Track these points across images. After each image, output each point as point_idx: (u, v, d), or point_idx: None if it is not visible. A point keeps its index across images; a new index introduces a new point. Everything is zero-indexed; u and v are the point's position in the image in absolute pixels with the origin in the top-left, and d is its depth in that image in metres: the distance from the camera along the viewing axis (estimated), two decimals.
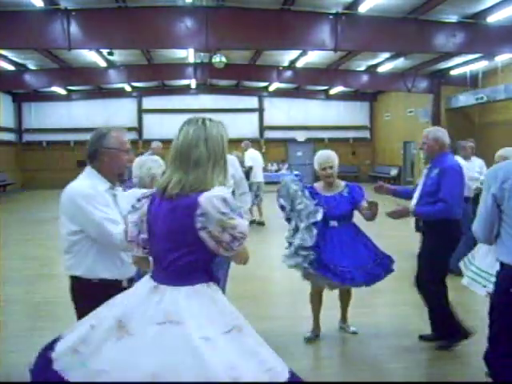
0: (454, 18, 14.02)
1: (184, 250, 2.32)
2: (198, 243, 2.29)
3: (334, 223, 4.83)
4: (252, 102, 28.47)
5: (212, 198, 2.25)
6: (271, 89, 26.77)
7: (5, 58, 18.45)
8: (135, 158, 4.24)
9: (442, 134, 4.83)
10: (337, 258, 4.70)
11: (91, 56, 18.01)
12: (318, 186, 5.06)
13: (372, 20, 13.99)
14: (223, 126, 2.52)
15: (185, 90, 27.19)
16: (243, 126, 27.53)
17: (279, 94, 27.66)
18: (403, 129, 25.24)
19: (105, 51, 17.02)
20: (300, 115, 28.39)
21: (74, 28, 13.21)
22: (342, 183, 5.05)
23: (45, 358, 2.63)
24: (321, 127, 28.42)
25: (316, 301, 5.14)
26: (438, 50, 15.22)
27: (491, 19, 13.52)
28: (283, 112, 28.39)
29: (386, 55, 18.88)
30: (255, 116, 28.43)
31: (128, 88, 26.16)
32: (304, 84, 25.49)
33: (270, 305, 6.61)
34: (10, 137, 26.28)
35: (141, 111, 28.21)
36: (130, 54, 19.18)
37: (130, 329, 2.29)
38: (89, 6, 13.27)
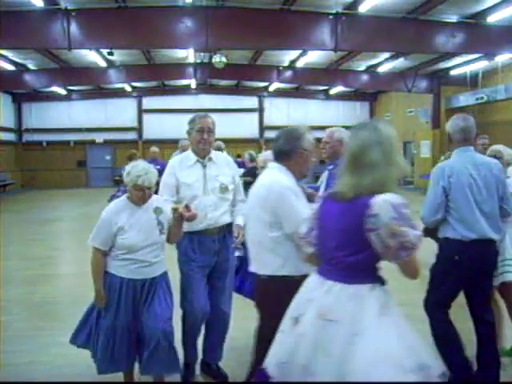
0: (453, 18, 14.02)
1: (351, 249, 2.38)
2: (365, 244, 2.34)
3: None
4: (252, 101, 28.47)
5: (385, 202, 2.29)
6: (271, 89, 26.77)
7: (5, 58, 18.46)
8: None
9: (346, 135, 4.48)
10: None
11: (91, 56, 18.01)
12: None
13: (372, 20, 13.99)
14: (393, 129, 2.56)
15: (185, 90, 27.18)
16: (243, 126, 27.55)
17: (279, 93, 27.66)
18: (403, 129, 25.19)
19: (105, 51, 17.02)
20: (300, 115, 28.37)
21: (73, 28, 13.22)
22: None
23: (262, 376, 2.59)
24: (321, 127, 28.24)
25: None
26: (437, 50, 15.23)
27: (491, 19, 13.53)
28: (283, 112, 28.38)
29: (386, 55, 18.89)
30: (255, 116, 28.43)
31: (128, 88, 26.16)
32: (304, 84, 25.50)
33: None
34: (10, 137, 26.29)
35: (141, 111, 28.19)
36: (130, 54, 19.18)
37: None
38: (89, 6, 13.27)
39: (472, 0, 12.79)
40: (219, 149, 10.92)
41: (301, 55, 18.82)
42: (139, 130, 28.20)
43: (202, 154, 4.16)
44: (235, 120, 27.29)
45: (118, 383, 4.01)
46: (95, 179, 28.02)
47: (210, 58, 17.80)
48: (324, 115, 28.49)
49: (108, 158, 28.39)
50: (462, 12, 13.64)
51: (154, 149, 12.57)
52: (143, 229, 3.66)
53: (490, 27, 14.08)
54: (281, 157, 3.19)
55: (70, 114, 27.32)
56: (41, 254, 9.66)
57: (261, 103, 28.63)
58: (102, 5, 13.26)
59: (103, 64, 19.93)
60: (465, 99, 20.66)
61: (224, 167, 4.20)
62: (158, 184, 3.98)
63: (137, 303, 3.70)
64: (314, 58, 18.80)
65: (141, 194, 3.63)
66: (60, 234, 12.76)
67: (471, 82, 20.60)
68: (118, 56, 18.86)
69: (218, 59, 16.86)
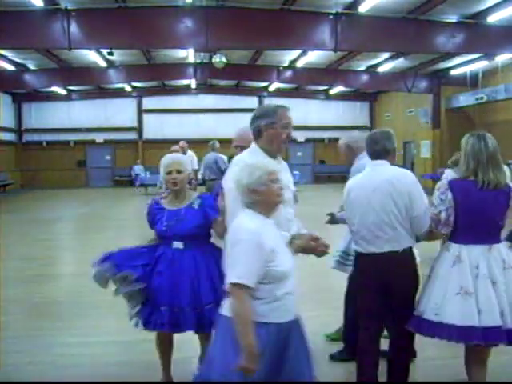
0: (454, 18, 14.02)
1: (502, 218, 3.41)
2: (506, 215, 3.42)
3: (177, 244, 3.76)
4: (252, 101, 28.43)
5: None
6: (271, 89, 26.77)
7: (5, 58, 18.46)
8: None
9: (350, 138, 4.91)
10: (173, 293, 3.65)
11: (91, 56, 18.01)
12: (167, 198, 3.96)
13: (372, 20, 13.99)
14: None
15: (185, 90, 27.19)
16: (243, 126, 27.50)
17: (279, 93, 27.64)
18: (403, 129, 25.21)
19: (105, 51, 17.02)
20: (300, 115, 28.29)
21: (74, 28, 13.21)
22: (194, 194, 3.97)
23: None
24: (321, 127, 28.44)
25: (164, 346, 4.01)
26: (438, 50, 15.23)
27: (491, 19, 13.53)
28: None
29: (386, 55, 18.88)
30: None
31: (128, 88, 26.17)
32: (304, 84, 25.51)
33: None
34: (10, 137, 26.30)
35: (141, 111, 28.20)
36: (130, 54, 19.18)
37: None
38: (89, 6, 13.27)
39: (472, 0, 12.80)
40: (213, 149, 10.92)
41: (301, 55, 18.82)
42: (139, 129, 28.21)
43: (276, 155, 3.42)
44: (235, 120, 27.17)
45: (118, 383, 4.02)
46: (95, 179, 28.04)
47: (210, 57, 17.80)
48: (324, 115, 28.51)
49: (108, 158, 28.41)
50: (462, 12, 13.64)
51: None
52: (284, 246, 2.88)
53: (490, 27, 14.08)
54: (384, 155, 3.68)
55: (69, 114, 27.33)
56: (41, 253, 9.66)
57: (261, 103, 28.57)
58: (102, 5, 13.26)
59: (103, 64, 19.93)
60: (465, 99, 20.66)
61: (288, 172, 3.55)
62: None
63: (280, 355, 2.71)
64: (313, 58, 18.80)
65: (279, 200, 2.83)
66: (60, 234, 12.75)
67: (471, 82, 20.60)
68: (118, 56, 18.85)
69: (218, 59, 16.87)
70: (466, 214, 3.36)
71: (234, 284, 2.56)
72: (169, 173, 3.82)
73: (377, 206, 3.50)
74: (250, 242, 2.60)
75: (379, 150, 3.67)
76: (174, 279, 3.68)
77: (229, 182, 3.13)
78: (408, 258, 3.58)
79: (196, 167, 11.90)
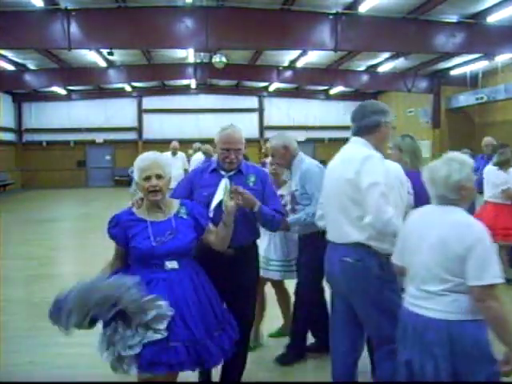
0: (454, 18, 14.02)
1: None
2: None
3: (172, 264, 3.10)
4: (252, 102, 28.47)
5: None
6: (271, 89, 26.77)
7: (5, 58, 18.46)
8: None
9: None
10: (183, 324, 3.01)
11: (91, 56, 18.01)
12: (141, 209, 3.28)
13: (372, 20, 13.99)
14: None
15: (185, 90, 27.18)
16: (243, 126, 26.73)
17: (279, 94, 27.66)
18: (403, 129, 25.13)
19: (105, 51, 17.02)
20: (300, 115, 28.38)
21: (74, 28, 13.21)
22: (174, 201, 3.36)
23: None
24: (321, 127, 28.44)
25: None
26: (437, 50, 15.22)
27: (491, 19, 13.52)
28: (283, 112, 28.39)
29: (386, 55, 18.88)
30: (255, 116, 28.44)
31: (128, 88, 26.16)
32: (304, 84, 25.50)
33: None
34: (10, 137, 26.29)
35: (141, 111, 28.19)
36: (130, 54, 19.18)
37: None
38: (89, 6, 13.27)
39: (472, 0, 12.79)
40: (206, 152, 10.93)
41: (301, 55, 18.81)
42: (139, 129, 28.21)
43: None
44: (235, 120, 26.88)
45: (118, 383, 4.02)
46: (95, 179, 28.02)
47: (210, 57, 17.80)
48: (324, 115, 28.51)
49: (108, 158, 28.40)
50: (462, 12, 13.64)
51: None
52: None
53: (489, 27, 14.08)
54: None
55: (69, 114, 27.31)
56: (41, 253, 9.66)
57: (261, 103, 28.63)
58: (102, 5, 13.26)
59: (103, 64, 19.93)
60: (465, 99, 20.66)
61: None
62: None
63: None
64: (314, 58, 18.79)
65: None
66: (60, 234, 12.75)
67: (471, 82, 20.59)
68: (118, 56, 18.86)
69: (218, 59, 16.87)
70: None
71: (490, 285, 2.47)
72: (147, 178, 3.16)
73: None
74: (488, 238, 2.55)
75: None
76: (178, 308, 2.99)
77: (369, 178, 3.05)
78: None
79: (187, 167, 11.87)
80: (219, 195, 3.50)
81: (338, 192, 3.24)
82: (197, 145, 13.15)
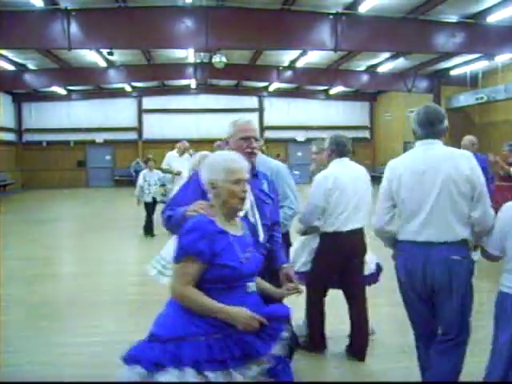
0: (453, 18, 14.03)
1: None
2: None
3: (253, 286, 2.67)
4: (252, 101, 28.50)
5: None
6: (271, 89, 26.78)
7: (5, 58, 18.47)
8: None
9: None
10: None
11: (91, 56, 18.02)
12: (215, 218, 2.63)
13: (372, 20, 14.00)
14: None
15: (185, 90, 27.20)
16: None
17: (279, 94, 27.69)
18: (403, 129, 25.20)
19: (105, 51, 17.03)
20: (300, 115, 28.40)
21: (74, 28, 13.23)
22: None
23: None
24: (321, 127, 28.40)
25: None
26: (437, 50, 15.23)
27: (491, 19, 13.53)
28: (283, 112, 28.41)
29: (386, 55, 18.89)
30: (255, 116, 28.44)
31: (128, 88, 26.18)
32: (304, 84, 25.51)
33: None
34: (10, 137, 26.31)
35: (141, 111, 28.22)
36: (130, 54, 19.19)
37: None
38: (89, 6, 13.28)
39: (472, 0, 12.80)
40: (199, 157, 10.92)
41: (301, 55, 18.83)
42: (139, 129, 28.22)
43: None
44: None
45: (118, 383, 4.02)
46: (95, 179, 28.04)
47: (210, 57, 17.81)
48: (324, 115, 28.52)
49: (108, 158, 28.42)
50: (462, 12, 13.65)
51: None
52: None
53: (489, 27, 14.08)
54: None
55: (69, 114, 27.34)
56: (41, 253, 9.66)
57: (261, 103, 28.65)
58: (102, 5, 13.28)
59: (103, 64, 19.94)
60: (465, 99, 20.67)
61: None
62: None
63: None
64: (314, 58, 18.80)
65: None
66: (60, 234, 12.75)
67: (471, 82, 20.61)
68: (118, 56, 18.87)
69: (218, 59, 16.87)
70: None
71: None
72: (237, 182, 2.65)
73: None
74: None
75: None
76: None
77: (480, 174, 3.25)
78: None
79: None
80: (247, 202, 3.06)
81: (446, 190, 3.23)
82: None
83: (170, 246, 4.17)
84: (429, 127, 3.39)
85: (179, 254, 2.49)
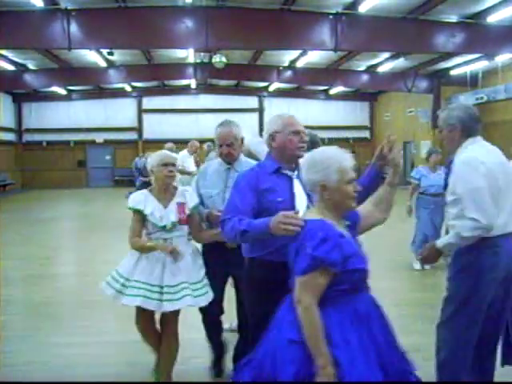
0: (453, 18, 14.02)
1: None
2: None
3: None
4: (252, 101, 28.48)
5: None
6: (271, 89, 26.78)
7: (5, 58, 18.46)
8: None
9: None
10: None
11: (91, 56, 18.02)
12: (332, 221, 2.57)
13: (372, 20, 13.99)
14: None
15: (185, 90, 27.20)
16: (243, 126, 26.51)
17: (279, 93, 27.67)
18: (403, 129, 25.22)
19: (105, 51, 17.03)
20: (300, 115, 26.96)
21: (74, 28, 13.22)
22: None
23: None
24: (321, 127, 28.35)
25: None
26: (437, 50, 15.24)
27: (491, 19, 13.53)
28: (283, 112, 28.39)
29: (386, 55, 18.89)
30: (255, 116, 28.44)
31: (128, 88, 26.17)
32: (304, 84, 25.50)
33: None
34: (10, 137, 26.31)
35: (141, 111, 28.21)
36: (130, 54, 19.18)
37: None
38: (89, 6, 13.28)
39: (472, 0, 12.80)
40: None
41: (301, 55, 18.82)
42: (139, 129, 28.21)
43: None
44: (235, 120, 27.21)
45: (118, 383, 4.02)
46: (95, 179, 28.04)
47: (210, 57, 17.80)
48: (324, 115, 28.49)
49: (108, 158, 28.41)
50: (462, 12, 13.64)
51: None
52: None
53: (490, 27, 14.08)
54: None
55: (69, 114, 27.34)
56: (41, 253, 9.66)
57: (261, 103, 28.64)
58: (102, 5, 13.27)
59: (103, 64, 19.94)
60: (465, 99, 20.63)
61: None
62: None
63: None
64: (314, 57, 18.80)
65: None
66: (60, 234, 12.75)
67: (471, 82, 20.60)
68: (118, 56, 18.86)
69: (218, 59, 16.87)
70: None
71: None
72: (351, 181, 2.55)
73: None
74: None
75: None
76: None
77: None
78: None
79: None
80: (302, 199, 3.02)
81: None
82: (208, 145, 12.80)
83: (127, 261, 3.79)
84: (480, 123, 3.37)
85: (311, 265, 2.35)
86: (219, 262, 3.82)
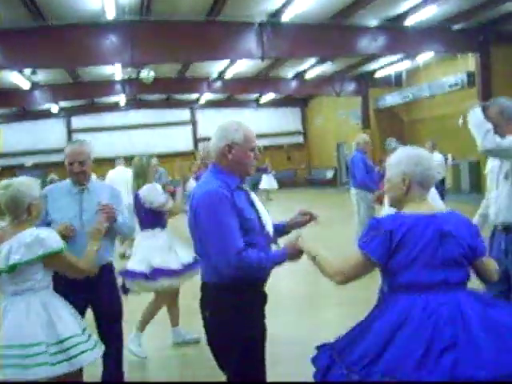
0: (374, 22, 14.44)
1: None
2: None
3: None
4: (184, 114, 28.35)
5: None
6: (202, 100, 26.72)
7: None
8: None
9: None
10: None
11: (13, 78, 17.38)
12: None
13: (296, 27, 14.20)
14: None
15: (114, 107, 26.71)
16: (177, 139, 27.32)
17: (211, 104, 27.65)
18: (336, 131, 25.76)
19: (28, 70, 16.46)
20: None
21: None
22: None
23: None
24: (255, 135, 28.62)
25: None
26: (361, 52, 15.68)
27: (409, 22, 14.05)
28: (216, 122, 26.82)
29: (313, 61, 19.20)
30: (188, 128, 28.31)
31: (55, 108, 25.41)
32: (235, 93, 25.58)
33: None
34: None
35: (70, 131, 27.50)
36: (55, 73, 18.62)
37: None
38: (8, 27, 12.80)
39: (390, 4, 13.21)
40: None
41: (229, 65, 18.85)
42: None
43: None
44: (168, 134, 27.05)
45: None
46: None
47: (138, 72, 17.57)
48: (257, 123, 28.49)
49: (39, 181, 27.49)
50: (382, 16, 14.07)
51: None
52: None
53: (408, 29, 14.62)
54: None
55: None
56: None
57: (193, 115, 28.54)
58: (22, 24, 12.79)
59: (27, 85, 19.25)
60: (392, 99, 21.30)
61: None
62: None
63: None
64: (242, 67, 18.88)
65: None
66: None
67: (396, 82, 21.30)
68: (41, 75, 18.29)
69: (146, 73, 16.63)
70: None
71: None
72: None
73: None
74: None
75: None
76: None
77: None
78: None
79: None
80: (264, 211, 2.93)
81: None
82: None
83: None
84: None
85: None
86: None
